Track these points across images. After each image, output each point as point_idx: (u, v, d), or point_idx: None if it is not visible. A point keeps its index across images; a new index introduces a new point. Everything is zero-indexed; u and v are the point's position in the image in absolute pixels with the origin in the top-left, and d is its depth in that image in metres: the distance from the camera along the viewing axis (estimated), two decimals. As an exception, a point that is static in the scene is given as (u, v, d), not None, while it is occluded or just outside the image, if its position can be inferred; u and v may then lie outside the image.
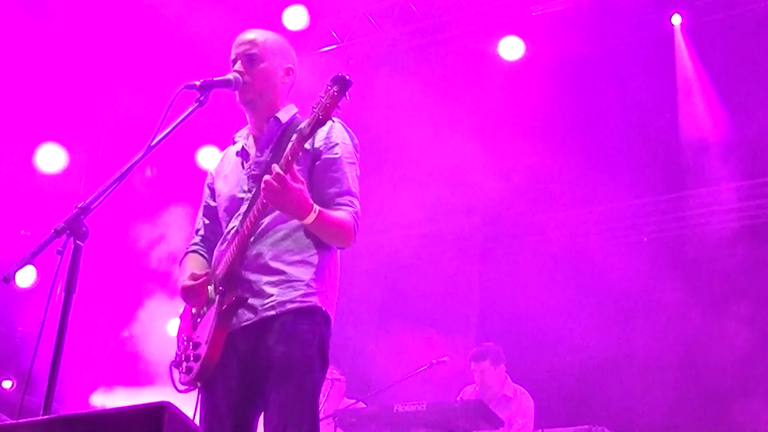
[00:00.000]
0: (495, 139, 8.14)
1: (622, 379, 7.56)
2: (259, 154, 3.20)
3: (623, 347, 7.77)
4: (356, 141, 3.23)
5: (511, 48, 8.26)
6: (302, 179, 2.85)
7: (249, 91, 3.16)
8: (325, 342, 3.03)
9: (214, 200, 3.36)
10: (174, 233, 7.70)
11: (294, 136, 2.89)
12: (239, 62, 3.17)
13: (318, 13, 8.40)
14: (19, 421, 2.21)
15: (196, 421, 3.04)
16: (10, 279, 2.54)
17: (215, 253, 3.21)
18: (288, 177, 2.78)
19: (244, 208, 3.13)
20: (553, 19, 8.06)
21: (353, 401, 6.63)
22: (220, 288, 3.02)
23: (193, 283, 3.11)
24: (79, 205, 2.62)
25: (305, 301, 2.99)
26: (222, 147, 3.67)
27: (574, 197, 8.36)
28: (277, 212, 2.98)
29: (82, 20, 7.57)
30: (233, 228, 3.12)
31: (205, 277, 3.11)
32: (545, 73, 8.13)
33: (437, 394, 6.98)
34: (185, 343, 3.12)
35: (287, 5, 8.27)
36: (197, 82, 2.97)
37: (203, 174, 3.69)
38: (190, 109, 2.95)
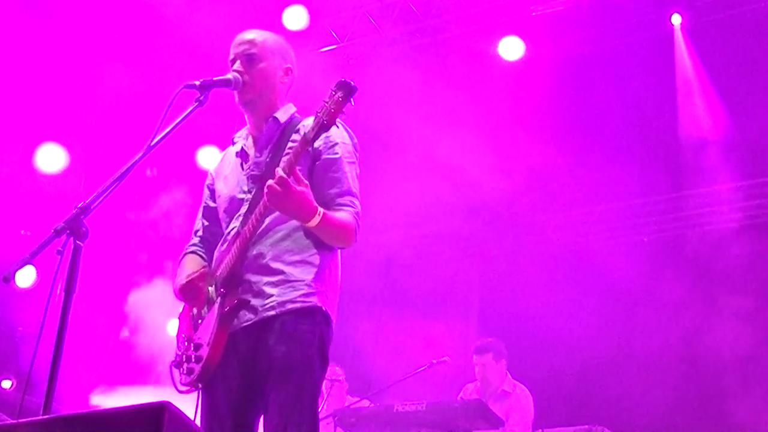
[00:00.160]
0: (495, 139, 8.13)
1: (622, 379, 7.57)
2: (258, 155, 3.20)
3: (623, 347, 7.78)
4: (356, 140, 3.22)
5: (511, 48, 8.25)
6: (306, 182, 2.85)
7: (248, 90, 3.15)
8: (325, 342, 3.03)
9: (214, 201, 3.36)
10: (174, 233, 7.70)
11: (294, 137, 2.89)
12: (238, 62, 3.17)
13: (318, 13, 8.40)
14: (19, 421, 2.21)
15: (197, 421, 3.04)
16: (10, 279, 2.54)
17: (215, 254, 3.21)
18: (291, 180, 2.78)
19: (244, 209, 3.13)
20: (553, 19, 8.05)
21: (356, 399, 6.64)
22: (222, 290, 3.02)
23: (190, 285, 3.11)
24: (79, 205, 2.62)
25: (305, 302, 2.99)
26: (222, 147, 3.67)
27: (574, 197, 8.36)
28: (277, 213, 2.98)
29: (82, 20, 7.56)
30: (233, 229, 3.12)
31: (199, 273, 3.11)
32: (545, 73, 8.13)
33: (437, 393, 6.98)
34: (186, 344, 3.11)
35: (287, 5, 8.27)
36: (197, 82, 2.97)
37: (203, 174, 3.69)
38: (190, 109, 2.95)
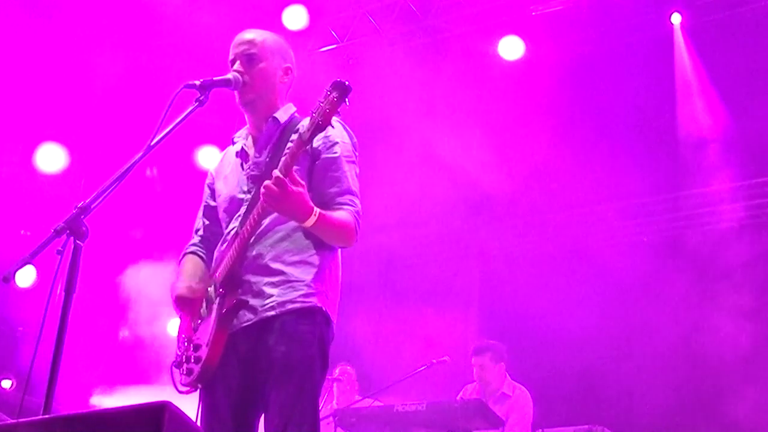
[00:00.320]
0: (495, 139, 8.14)
1: (622, 379, 7.57)
2: (257, 155, 3.19)
3: (623, 347, 7.78)
4: (355, 140, 3.22)
5: (511, 48, 8.26)
6: (302, 182, 2.85)
7: (248, 91, 3.15)
8: (325, 342, 3.03)
9: (214, 200, 3.36)
10: (174, 233, 7.70)
11: (293, 137, 2.88)
12: (238, 62, 3.17)
13: (318, 13, 8.40)
14: (19, 421, 2.21)
15: (198, 421, 3.04)
16: (10, 279, 2.53)
17: (215, 254, 3.21)
18: (288, 181, 2.78)
19: (243, 209, 3.13)
20: (553, 19, 8.06)
21: (358, 398, 6.65)
22: (221, 290, 3.02)
23: (191, 296, 3.11)
24: (79, 205, 2.61)
25: (305, 302, 2.99)
26: (222, 147, 3.67)
27: (574, 197, 8.36)
28: (276, 213, 2.97)
29: (82, 20, 7.56)
30: (233, 229, 3.12)
31: (202, 291, 3.11)
32: (545, 72, 8.14)
33: (437, 394, 6.98)
34: (186, 344, 3.11)
35: (287, 5, 8.27)
36: (197, 82, 2.97)
37: (203, 174, 3.69)
38: (190, 109, 2.95)
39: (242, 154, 3.26)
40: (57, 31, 7.49)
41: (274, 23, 7.89)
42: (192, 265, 3.30)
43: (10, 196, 7.77)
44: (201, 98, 2.96)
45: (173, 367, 3.14)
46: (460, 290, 8.88)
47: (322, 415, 5.51)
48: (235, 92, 3.15)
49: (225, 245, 3.13)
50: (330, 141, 3.11)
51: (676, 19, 7.90)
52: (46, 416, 2.19)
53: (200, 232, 3.39)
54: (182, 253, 3.39)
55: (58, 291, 2.54)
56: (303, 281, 3.00)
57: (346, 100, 2.73)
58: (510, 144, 8.17)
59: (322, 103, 2.74)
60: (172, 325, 7.70)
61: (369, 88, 8.24)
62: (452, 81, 8.26)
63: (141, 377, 7.50)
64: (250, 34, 3.23)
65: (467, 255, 9.16)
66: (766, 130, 7.46)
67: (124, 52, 7.87)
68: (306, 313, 2.98)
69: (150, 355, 7.48)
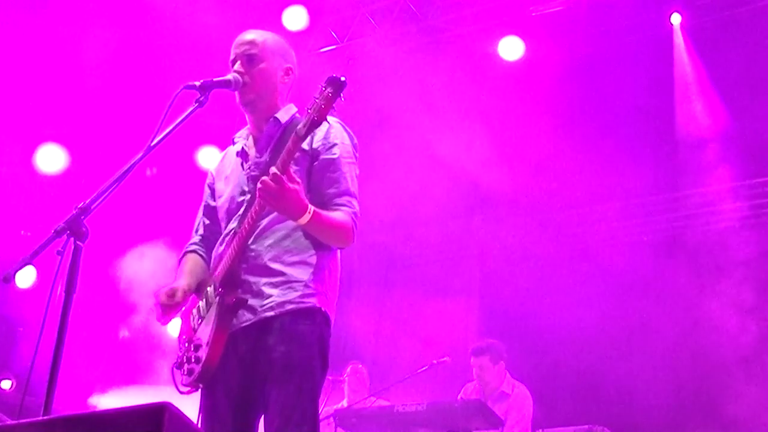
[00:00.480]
0: (495, 139, 8.14)
1: (622, 378, 7.56)
2: (258, 155, 3.19)
3: (623, 347, 7.78)
4: (355, 141, 3.22)
5: (511, 48, 8.26)
6: (299, 180, 2.85)
7: (249, 91, 3.15)
8: (325, 342, 3.03)
9: (215, 200, 3.36)
10: (174, 232, 7.70)
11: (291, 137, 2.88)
12: (239, 62, 3.17)
13: (318, 13, 8.40)
14: (19, 421, 2.21)
15: (198, 422, 3.04)
16: (10, 279, 2.53)
17: (214, 254, 3.21)
18: (285, 178, 2.78)
19: (243, 209, 3.13)
20: (552, 19, 8.06)
21: (373, 399, 6.65)
22: (220, 290, 3.02)
23: (168, 303, 3.10)
24: (79, 206, 2.61)
25: (305, 302, 2.99)
26: (222, 147, 3.67)
27: (574, 196, 8.36)
28: (276, 213, 2.98)
29: (82, 20, 7.56)
30: (232, 229, 3.12)
31: (180, 303, 3.11)
32: (545, 73, 8.14)
33: (437, 394, 6.98)
34: (186, 345, 3.12)
35: (287, 5, 8.27)
36: (197, 83, 2.97)
37: (203, 174, 3.69)
38: (190, 110, 2.95)
39: (243, 154, 3.26)
40: (57, 31, 7.49)
41: (274, 23, 7.89)
42: (192, 263, 3.30)
43: (10, 196, 7.78)
44: (201, 99, 2.96)
45: (174, 368, 3.14)
46: (460, 290, 8.88)
47: (324, 414, 5.53)
48: (236, 92, 3.15)
49: (224, 245, 3.13)
50: (329, 142, 3.11)
51: (675, 19, 7.91)
52: (46, 416, 2.19)
53: (200, 232, 3.39)
54: (182, 252, 3.39)
55: (58, 291, 2.54)
56: (302, 281, 3.00)
57: (341, 95, 2.73)
58: (510, 144, 8.18)
59: (317, 98, 2.74)
60: (172, 325, 7.70)
61: (369, 88, 8.26)
62: (452, 81, 8.26)
63: (141, 377, 7.50)
64: (251, 35, 3.23)
65: (467, 254, 9.16)
66: (765, 130, 7.46)
67: (124, 53, 7.88)
68: (305, 313, 2.98)
69: (149, 355, 7.48)
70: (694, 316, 7.50)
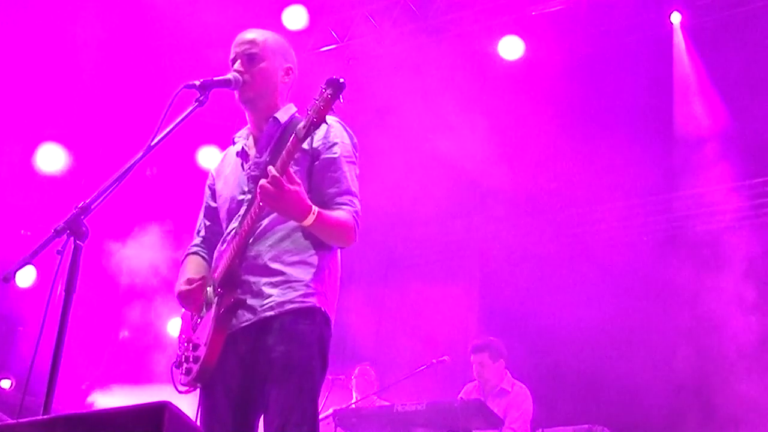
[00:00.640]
0: (495, 139, 8.14)
1: (622, 378, 7.56)
2: (258, 155, 3.19)
3: (624, 346, 7.77)
4: (355, 140, 3.22)
5: (511, 48, 8.26)
6: (299, 181, 2.85)
7: (249, 90, 3.15)
8: (325, 342, 3.02)
9: (215, 201, 3.35)
10: (175, 232, 7.70)
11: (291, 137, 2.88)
12: (239, 62, 3.17)
13: (318, 13, 8.41)
14: (19, 421, 2.21)
15: (198, 421, 3.04)
16: (10, 279, 2.53)
17: (215, 254, 3.21)
18: (284, 179, 2.78)
19: (243, 209, 3.12)
20: (553, 19, 8.06)
21: (361, 397, 6.66)
22: (219, 290, 3.02)
23: (188, 288, 3.10)
24: (79, 205, 2.61)
25: (304, 302, 2.98)
26: (222, 147, 3.67)
27: (574, 196, 8.36)
28: (275, 213, 2.97)
29: (81, 20, 7.56)
30: (233, 229, 3.12)
31: (200, 281, 3.10)
32: (545, 72, 8.14)
33: (437, 393, 6.98)
34: (185, 344, 3.12)
35: (287, 5, 8.27)
36: (197, 82, 2.96)
37: (203, 174, 3.69)
38: (190, 109, 2.94)
39: (243, 154, 3.26)
40: (57, 31, 7.49)
41: (274, 23, 7.89)
42: (194, 265, 3.29)
43: (10, 196, 7.78)
44: (201, 98, 2.95)
45: (173, 368, 3.14)
46: (460, 289, 8.88)
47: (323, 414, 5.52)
48: (236, 92, 3.15)
49: (224, 245, 3.13)
50: (329, 141, 3.11)
51: (675, 18, 7.91)
52: (46, 416, 2.19)
53: (201, 233, 3.39)
54: (184, 254, 3.39)
55: (58, 291, 2.54)
56: (302, 281, 3.00)
57: (341, 97, 2.73)
58: (510, 143, 8.18)
59: (317, 100, 2.74)
60: (172, 325, 7.70)
61: (369, 88, 8.26)
62: (452, 81, 8.26)
63: (141, 377, 7.50)
64: (251, 34, 3.23)
65: (467, 254, 9.17)
66: (765, 130, 7.47)
67: (124, 52, 7.88)
68: (305, 313, 2.98)
69: (149, 355, 7.49)
70: (694, 316, 7.50)
